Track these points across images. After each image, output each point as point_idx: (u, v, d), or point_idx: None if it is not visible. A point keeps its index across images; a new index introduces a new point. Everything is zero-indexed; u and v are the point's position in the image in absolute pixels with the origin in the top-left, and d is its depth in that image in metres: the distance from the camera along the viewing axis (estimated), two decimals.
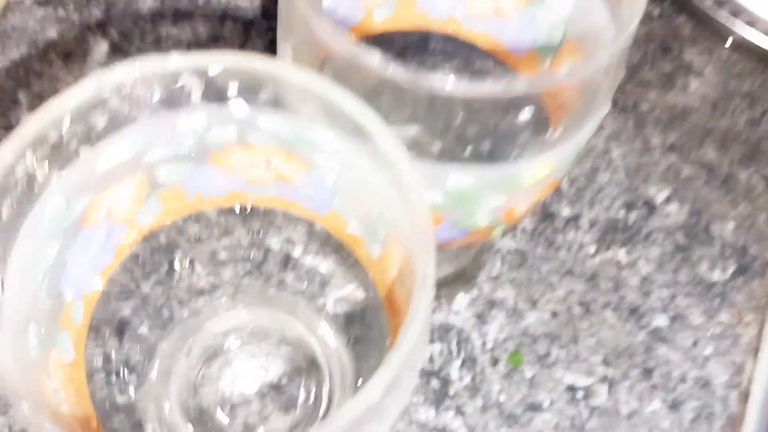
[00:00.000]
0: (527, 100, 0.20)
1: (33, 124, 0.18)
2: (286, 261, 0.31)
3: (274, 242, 0.29)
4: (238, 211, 0.27)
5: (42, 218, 0.21)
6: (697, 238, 0.39)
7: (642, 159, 0.41)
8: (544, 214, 0.39)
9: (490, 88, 0.19)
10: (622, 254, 0.39)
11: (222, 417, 0.30)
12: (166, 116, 0.21)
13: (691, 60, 0.44)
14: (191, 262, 0.29)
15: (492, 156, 0.23)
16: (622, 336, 0.37)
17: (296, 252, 0.30)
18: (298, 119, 0.22)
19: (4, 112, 0.39)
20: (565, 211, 0.39)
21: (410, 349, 0.18)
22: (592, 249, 0.39)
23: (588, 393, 0.36)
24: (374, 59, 0.19)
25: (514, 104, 0.20)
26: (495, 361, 0.36)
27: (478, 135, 0.22)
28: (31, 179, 0.19)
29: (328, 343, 0.31)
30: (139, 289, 0.28)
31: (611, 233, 0.39)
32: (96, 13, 0.42)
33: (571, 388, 0.36)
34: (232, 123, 0.23)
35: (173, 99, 0.21)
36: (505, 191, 0.23)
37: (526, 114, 0.21)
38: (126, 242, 0.25)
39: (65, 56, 0.41)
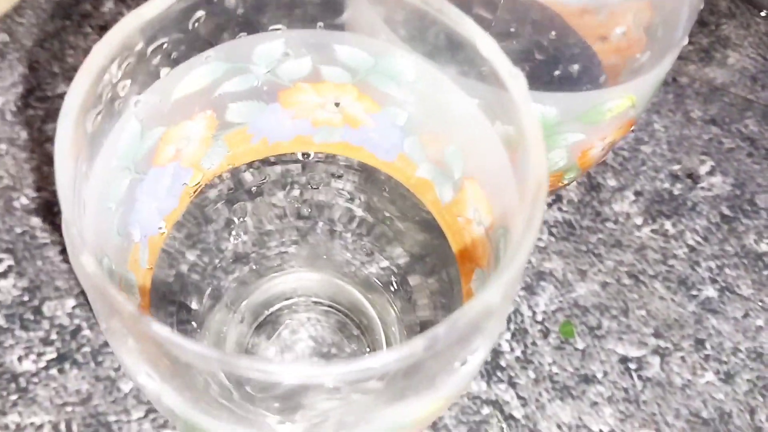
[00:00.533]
0: (619, 17, 0.19)
1: (121, 28, 0.17)
2: (346, 216, 0.30)
3: (331, 196, 0.29)
4: (300, 157, 0.26)
5: (119, 143, 0.20)
6: (742, 209, 0.39)
7: (684, 131, 0.41)
8: (590, 185, 0.38)
9: None
10: (668, 225, 0.38)
11: None
12: (245, 41, 0.21)
13: (729, 34, 0.43)
14: (247, 217, 0.28)
15: (574, 87, 0.23)
16: (673, 307, 0.36)
17: (354, 207, 0.29)
18: (377, 44, 0.21)
19: (40, 83, 0.38)
20: (611, 183, 0.39)
21: (520, 265, 0.17)
22: (639, 220, 0.38)
23: (640, 364, 0.35)
24: None
25: (605, 23, 0.20)
26: (546, 333, 0.35)
27: (565, 58, 0.22)
28: (114, 94, 0.18)
29: (384, 305, 0.30)
30: (196, 244, 0.27)
31: (657, 204, 0.39)
32: None
33: (624, 360, 0.35)
34: (308, 51, 0.22)
35: (254, 22, 0.20)
36: (585, 124, 0.22)
37: (618, 33, 0.20)
38: (190, 186, 0.25)
39: (100, 28, 0.40)
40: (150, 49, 0.19)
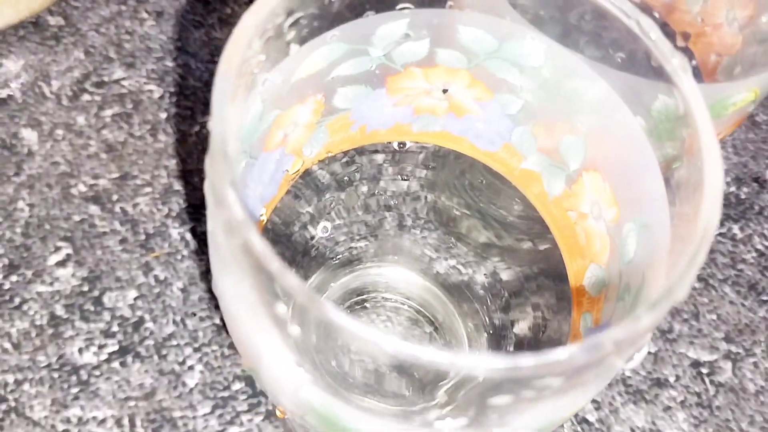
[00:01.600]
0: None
1: (267, 1, 0.16)
2: (435, 211, 0.29)
3: (417, 188, 0.28)
4: (396, 147, 0.25)
5: (244, 124, 0.19)
6: None
7: (749, 135, 0.40)
8: None
9: None
10: (736, 229, 0.38)
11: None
12: (370, 20, 0.20)
13: None
14: (336, 209, 0.27)
15: (700, 78, 0.22)
16: (743, 312, 0.36)
17: (443, 200, 0.28)
18: (505, 26, 0.20)
19: (96, 69, 0.37)
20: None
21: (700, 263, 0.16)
22: None
23: (713, 369, 0.34)
24: None
25: (751, 13, 0.19)
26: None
27: (703, 48, 0.21)
28: (250, 71, 0.17)
29: (465, 301, 0.29)
30: (287, 231, 0.26)
31: (724, 208, 0.38)
32: None
33: (696, 364, 0.34)
34: (428, 33, 0.21)
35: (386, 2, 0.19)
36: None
37: (764, 21, 0.19)
38: (290, 174, 0.24)
39: (157, 14, 0.39)
40: (288, 23, 0.18)
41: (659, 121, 0.19)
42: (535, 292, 0.26)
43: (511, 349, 0.26)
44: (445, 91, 0.24)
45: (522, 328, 0.26)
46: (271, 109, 0.20)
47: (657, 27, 0.17)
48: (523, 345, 0.25)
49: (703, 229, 0.15)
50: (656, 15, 0.21)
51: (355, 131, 0.24)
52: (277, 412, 0.29)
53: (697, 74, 0.22)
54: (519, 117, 0.23)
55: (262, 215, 0.23)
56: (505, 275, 0.27)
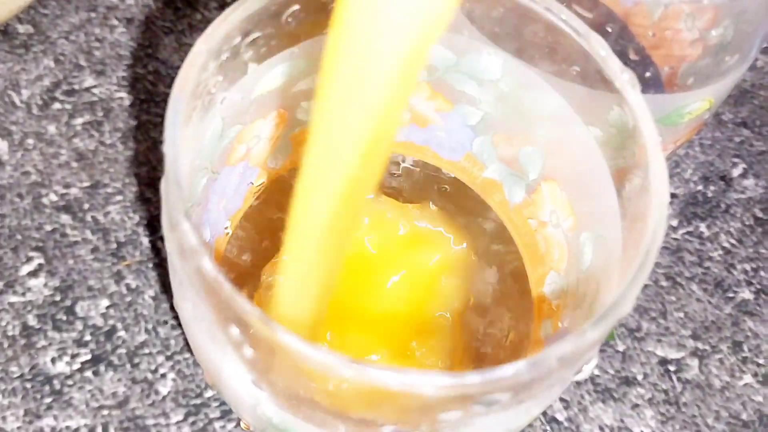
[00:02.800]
0: (722, 18, 0.19)
1: (225, 21, 0.17)
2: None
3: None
4: None
5: (204, 141, 0.19)
6: None
7: (715, 134, 0.41)
8: None
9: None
10: (703, 228, 0.38)
11: None
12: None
13: None
14: None
15: (655, 88, 0.22)
16: (710, 309, 0.36)
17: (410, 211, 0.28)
18: (463, 42, 0.21)
19: (66, 77, 0.37)
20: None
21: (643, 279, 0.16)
22: (674, 222, 0.38)
23: (680, 366, 0.35)
24: None
25: (705, 25, 0.19)
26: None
27: (656, 61, 0.21)
28: (207, 91, 0.18)
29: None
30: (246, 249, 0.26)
31: (692, 207, 0.38)
32: None
33: (663, 362, 0.35)
34: None
35: None
36: (664, 126, 0.22)
37: (715, 34, 0.20)
38: (255, 186, 0.24)
39: (127, 21, 0.39)
40: (245, 43, 0.18)
41: (614, 132, 0.19)
42: (499, 297, 0.26)
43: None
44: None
45: (489, 332, 0.27)
46: (232, 125, 0.21)
47: (606, 44, 0.17)
48: (488, 349, 0.26)
49: (648, 245, 0.15)
50: (618, 22, 0.22)
51: None
52: (242, 424, 0.29)
53: (658, 82, 0.22)
54: (479, 128, 0.24)
55: (227, 228, 0.23)
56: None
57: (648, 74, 0.21)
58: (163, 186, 0.16)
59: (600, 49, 0.17)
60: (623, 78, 0.17)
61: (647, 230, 0.15)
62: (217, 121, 0.19)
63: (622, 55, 0.21)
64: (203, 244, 0.14)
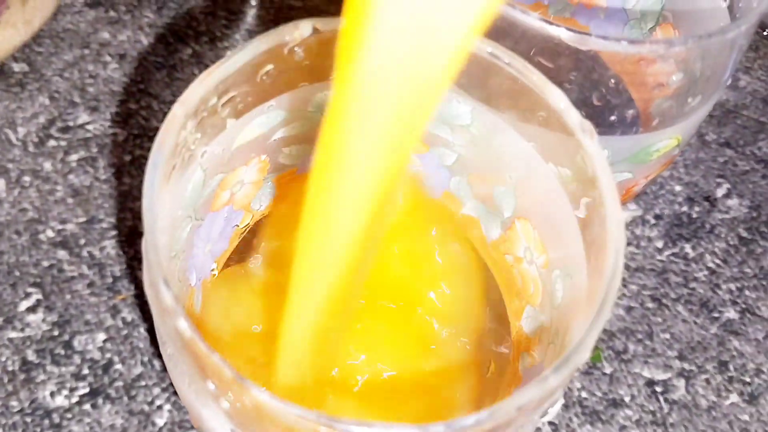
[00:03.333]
0: (679, 63, 0.20)
1: (201, 85, 0.18)
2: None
3: None
4: None
5: (185, 193, 0.20)
6: (759, 231, 0.40)
7: (699, 154, 0.41)
8: None
9: (654, 47, 0.18)
10: (688, 249, 0.39)
11: None
12: (306, 90, 0.21)
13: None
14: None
15: (623, 128, 0.23)
16: (696, 330, 0.37)
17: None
18: None
19: (61, 114, 0.38)
20: (631, 206, 0.39)
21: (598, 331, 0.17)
22: (659, 244, 0.39)
23: (666, 387, 0.35)
24: (533, 18, 0.19)
25: (666, 69, 0.20)
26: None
27: (622, 104, 0.22)
28: (186, 148, 0.18)
29: None
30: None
31: (677, 228, 0.39)
32: (147, 13, 0.42)
33: (650, 383, 0.35)
34: None
35: (316, 72, 0.20)
36: (633, 164, 0.22)
37: (675, 80, 0.20)
38: (240, 228, 0.25)
39: (120, 57, 0.40)
40: (221, 102, 0.19)
41: (577, 174, 0.20)
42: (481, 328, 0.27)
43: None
44: None
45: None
46: (214, 175, 0.21)
47: (565, 96, 0.18)
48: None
49: (602, 295, 0.16)
50: (588, 63, 0.22)
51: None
52: None
53: (625, 122, 0.23)
54: (455, 168, 0.24)
55: (213, 269, 0.24)
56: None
57: (614, 117, 0.22)
58: (143, 247, 0.16)
59: (559, 101, 0.18)
60: (582, 129, 0.18)
61: (603, 279, 0.16)
62: (199, 173, 0.20)
63: (589, 99, 0.22)
64: (179, 304, 0.15)
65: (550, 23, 0.19)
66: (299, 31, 0.18)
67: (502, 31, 0.19)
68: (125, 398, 0.33)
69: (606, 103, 0.22)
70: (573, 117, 0.18)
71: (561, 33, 0.19)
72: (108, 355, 0.33)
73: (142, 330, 0.34)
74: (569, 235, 0.20)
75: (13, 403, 0.32)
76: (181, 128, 0.17)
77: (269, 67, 0.19)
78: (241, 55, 0.18)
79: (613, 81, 0.20)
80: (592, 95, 0.21)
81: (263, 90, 0.20)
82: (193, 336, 0.14)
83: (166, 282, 0.15)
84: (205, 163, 0.20)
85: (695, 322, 0.37)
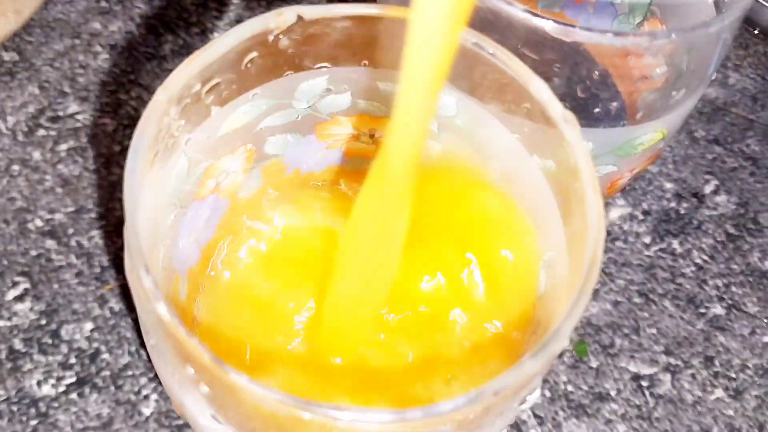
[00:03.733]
0: (664, 56, 0.20)
1: (184, 71, 0.18)
2: None
3: None
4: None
5: (169, 180, 0.20)
6: (747, 228, 0.40)
7: (688, 151, 0.41)
8: None
9: (638, 39, 0.19)
10: (675, 244, 0.39)
11: None
12: (291, 78, 0.21)
13: (728, 54, 0.44)
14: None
15: (608, 121, 0.23)
16: (682, 325, 0.37)
17: None
18: None
19: (51, 103, 0.38)
20: (620, 202, 0.39)
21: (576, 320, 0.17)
22: (647, 239, 0.39)
23: (652, 382, 0.36)
24: (519, 10, 0.19)
25: (651, 62, 0.20)
26: (560, 352, 0.36)
27: (607, 97, 0.22)
28: (170, 135, 0.19)
29: None
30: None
31: (664, 224, 0.39)
32: (138, 4, 0.42)
33: (636, 377, 0.35)
34: (349, 87, 0.22)
35: (302, 61, 0.20)
36: (618, 157, 0.23)
37: (659, 73, 0.21)
38: (225, 217, 0.25)
39: (110, 47, 0.40)
40: (205, 89, 0.19)
41: (560, 165, 0.20)
42: None
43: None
44: (371, 135, 0.25)
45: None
46: (199, 163, 0.21)
47: (548, 87, 0.18)
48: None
49: (581, 282, 0.16)
50: (572, 54, 0.23)
51: (290, 174, 0.26)
52: None
53: (610, 115, 0.23)
54: (441, 158, 0.24)
55: (197, 258, 0.24)
56: None
57: (598, 109, 0.22)
58: (125, 234, 0.17)
59: (542, 92, 0.18)
60: (564, 120, 0.18)
61: (582, 266, 0.16)
62: (183, 160, 0.20)
63: (573, 91, 0.22)
64: (158, 289, 0.15)
65: (535, 14, 0.19)
66: (283, 17, 0.18)
67: (488, 23, 0.20)
68: (112, 387, 0.33)
69: (591, 96, 0.22)
70: (555, 108, 0.18)
71: (546, 24, 0.19)
72: (95, 345, 0.33)
73: (129, 320, 0.34)
74: (552, 227, 0.20)
75: (0, 392, 0.32)
76: (164, 114, 0.17)
77: (253, 54, 0.19)
78: (225, 41, 0.18)
79: (598, 74, 0.21)
80: (577, 88, 0.21)
81: (248, 78, 0.20)
82: (172, 319, 0.14)
83: (147, 267, 0.15)
84: (189, 151, 0.20)
85: (682, 318, 0.37)
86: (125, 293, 0.34)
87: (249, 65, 0.19)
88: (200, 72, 0.18)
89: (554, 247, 0.20)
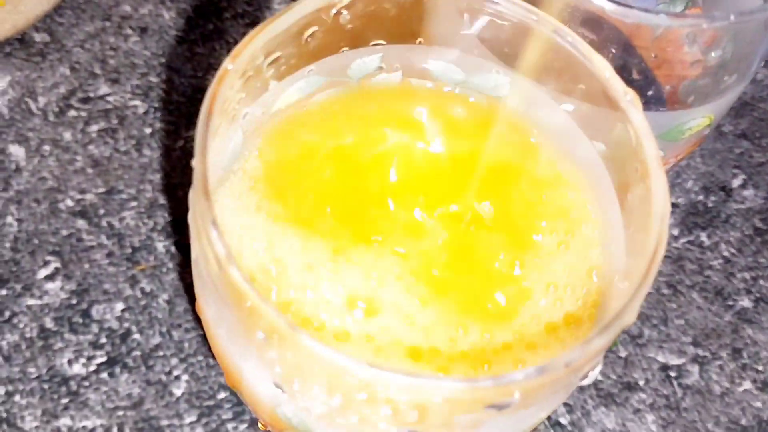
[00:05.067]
0: (721, 40, 0.20)
1: (252, 43, 0.18)
2: None
3: None
4: None
5: (224, 155, 0.20)
6: None
7: (716, 145, 0.41)
8: None
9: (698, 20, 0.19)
10: (703, 237, 0.39)
11: None
12: (346, 55, 0.21)
13: None
14: None
15: (657, 106, 0.23)
16: (710, 317, 0.37)
17: None
18: (471, 61, 0.22)
19: (81, 85, 0.38)
20: None
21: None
22: (675, 231, 0.39)
23: (680, 372, 0.36)
24: None
25: (705, 46, 0.20)
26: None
27: (644, 81, 0.22)
28: (232, 107, 0.19)
29: None
30: None
31: (692, 217, 0.39)
32: None
33: (664, 368, 0.36)
34: (401, 66, 0.22)
35: (359, 36, 0.20)
36: (666, 141, 0.23)
37: (714, 55, 0.21)
38: None
39: (141, 30, 0.40)
40: (267, 62, 0.19)
41: (617, 148, 0.20)
42: None
43: None
44: None
45: None
46: (253, 138, 0.21)
47: (610, 66, 0.18)
48: None
49: (649, 257, 0.16)
50: (623, 43, 0.23)
51: None
52: (259, 425, 0.30)
53: (660, 100, 0.23)
54: None
55: None
56: None
57: (650, 92, 0.22)
58: (192, 196, 0.16)
59: (604, 70, 0.18)
60: (626, 98, 0.18)
61: (649, 244, 0.16)
62: (239, 134, 0.20)
63: (627, 74, 0.22)
64: (231, 253, 0.15)
65: None
66: None
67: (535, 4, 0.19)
68: (143, 368, 0.33)
69: (645, 78, 0.22)
70: (618, 86, 0.18)
71: (605, 5, 0.19)
72: (126, 325, 0.33)
73: (160, 301, 0.34)
74: (607, 206, 0.20)
75: (31, 369, 0.32)
76: (230, 86, 0.17)
77: (314, 28, 0.19)
78: (290, 14, 0.18)
79: (637, 59, 0.21)
80: (632, 71, 0.21)
81: (306, 52, 0.20)
82: (245, 286, 0.14)
83: (217, 227, 0.15)
84: (245, 125, 0.20)
85: (710, 310, 0.37)
86: (156, 275, 0.34)
87: (309, 39, 0.19)
88: (265, 44, 0.18)
89: (609, 231, 0.20)
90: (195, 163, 0.16)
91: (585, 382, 0.17)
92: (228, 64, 0.17)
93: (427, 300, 0.20)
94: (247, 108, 0.20)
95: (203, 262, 0.16)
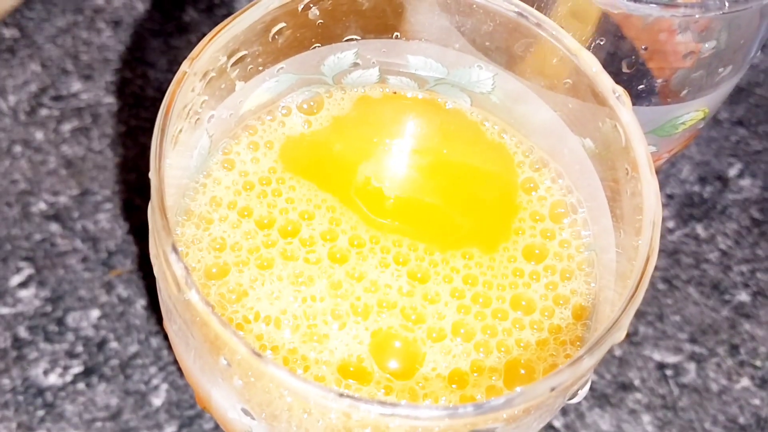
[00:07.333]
0: (714, 29, 0.19)
1: (210, 44, 0.16)
2: None
3: None
4: None
5: (190, 161, 0.19)
6: None
7: (711, 133, 0.40)
8: None
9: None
10: (699, 229, 0.38)
11: None
12: (318, 52, 0.20)
13: None
14: None
15: (649, 100, 0.22)
16: (707, 312, 0.36)
17: None
18: (452, 55, 0.20)
19: (53, 82, 0.37)
20: None
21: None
22: (671, 224, 0.38)
23: (677, 371, 0.35)
24: None
25: (698, 38, 0.19)
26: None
27: (650, 73, 0.21)
28: (194, 112, 0.17)
29: None
30: None
31: (688, 208, 0.38)
32: None
33: (661, 366, 0.34)
34: (377, 62, 0.21)
35: (330, 32, 0.19)
36: (659, 137, 0.21)
37: (708, 47, 0.19)
38: None
39: (114, 24, 0.39)
40: (231, 62, 0.18)
41: (606, 145, 0.19)
42: None
43: None
44: None
45: None
46: (219, 142, 0.20)
47: (597, 61, 0.17)
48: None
49: (640, 270, 0.15)
50: (615, 35, 0.21)
51: None
52: None
53: (653, 92, 0.22)
54: None
55: None
56: None
57: (642, 86, 0.21)
58: (150, 214, 0.15)
59: (591, 65, 0.17)
60: (615, 95, 0.17)
61: (639, 253, 0.15)
62: (205, 139, 0.19)
63: (617, 66, 0.21)
64: (190, 275, 0.14)
65: None
66: None
67: None
68: (121, 377, 0.31)
69: (636, 72, 0.21)
70: (605, 82, 0.17)
71: None
72: (102, 333, 0.32)
73: (138, 307, 0.33)
74: (597, 209, 0.19)
75: (5, 381, 0.31)
76: (189, 89, 0.16)
77: (281, 25, 0.18)
78: (254, 11, 0.17)
79: (628, 51, 0.19)
80: (622, 63, 0.20)
81: (274, 50, 0.19)
82: (205, 310, 0.13)
83: (176, 250, 0.14)
84: (211, 129, 0.19)
85: (706, 305, 0.36)
86: (134, 279, 0.33)
87: (276, 37, 0.18)
88: (227, 44, 0.17)
89: (599, 235, 0.19)
90: (151, 176, 0.15)
91: (574, 401, 0.16)
92: (185, 67, 0.16)
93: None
94: (212, 111, 0.18)
95: (162, 283, 0.15)
